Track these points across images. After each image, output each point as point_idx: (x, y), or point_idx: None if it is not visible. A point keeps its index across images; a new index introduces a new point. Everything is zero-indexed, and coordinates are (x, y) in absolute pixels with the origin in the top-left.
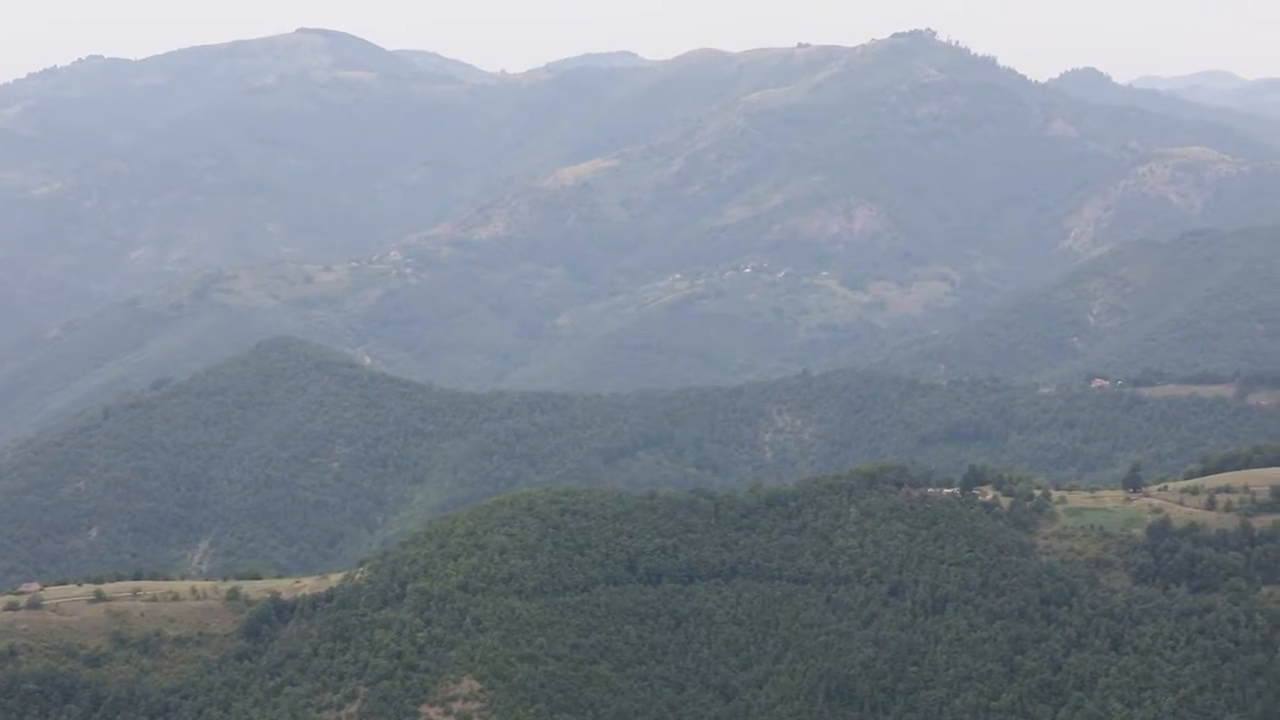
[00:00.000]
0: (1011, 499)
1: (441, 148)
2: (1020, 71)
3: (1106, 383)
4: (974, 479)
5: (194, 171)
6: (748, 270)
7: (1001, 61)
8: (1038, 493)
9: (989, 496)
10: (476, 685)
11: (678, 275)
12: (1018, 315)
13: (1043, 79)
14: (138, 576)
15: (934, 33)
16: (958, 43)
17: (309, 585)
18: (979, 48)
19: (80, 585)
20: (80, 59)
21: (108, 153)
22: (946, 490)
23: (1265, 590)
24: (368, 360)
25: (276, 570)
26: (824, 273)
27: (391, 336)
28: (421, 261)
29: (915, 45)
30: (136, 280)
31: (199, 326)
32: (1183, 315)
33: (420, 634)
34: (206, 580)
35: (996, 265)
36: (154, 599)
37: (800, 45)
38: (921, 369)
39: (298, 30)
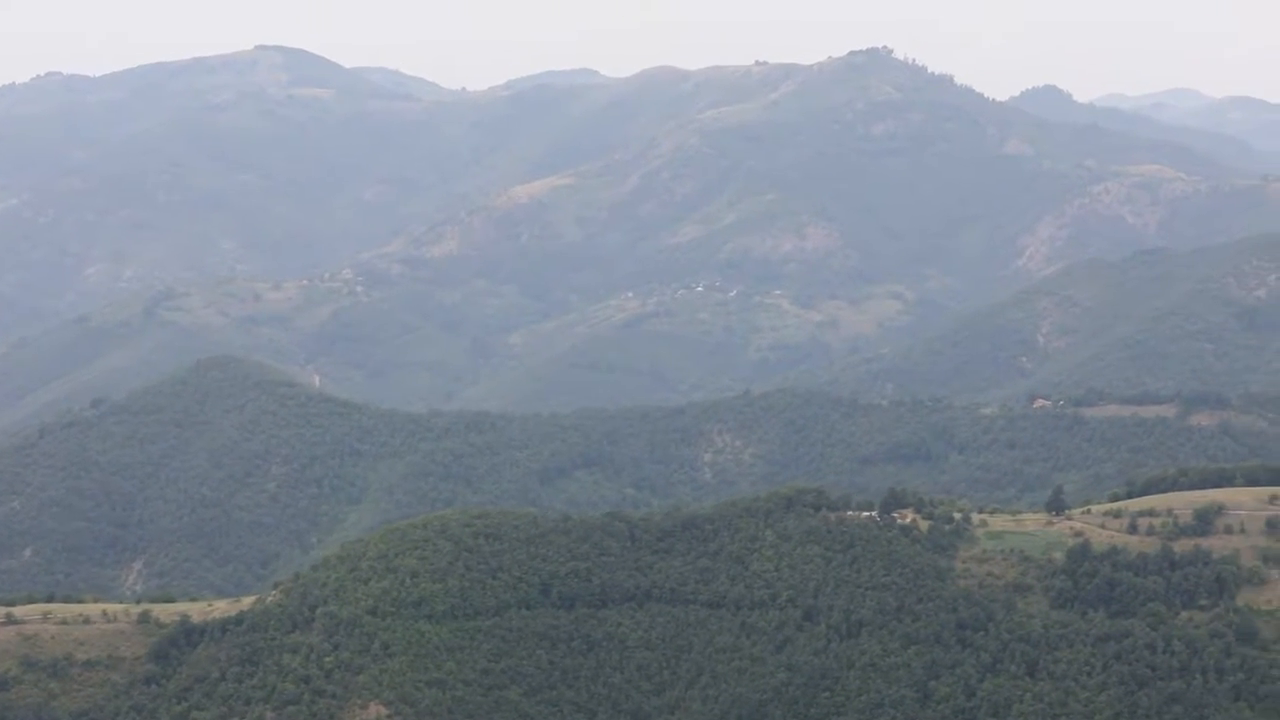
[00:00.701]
0: (931, 522)
1: (398, 165)
2: (980, 90)
3: (1048, 403)
4: (894, 502)
5: (149, 188)
6: (699, 289)
7: (965, 81)
8: (958, 516)
9: (908, 519)
10: (383, 710)
11: (630, 294)
12: (966, 334)
13: (1004, 98)
14: (50, 599)
15: (891, 51)
16: (915, 61)
17: (220, 608)
18: (944, 67)
19: None
20: (39, 75)
21: (64, 169)
22: (865, 513)
23: (1184, 615)
24: (317, 379)
25: (211, 591)
26: (776, 291)
27: (341, 355)
28: (373, 279)
29: (872, 63)
30: (90, 297)
31: (147, 344)
32: (1131, 335)
33: (328, 658)
34: (121, 603)
35: (950, 284)
36: (65, 622)
37: (758, 63)
38: (869, 388)
39: (256, 47)
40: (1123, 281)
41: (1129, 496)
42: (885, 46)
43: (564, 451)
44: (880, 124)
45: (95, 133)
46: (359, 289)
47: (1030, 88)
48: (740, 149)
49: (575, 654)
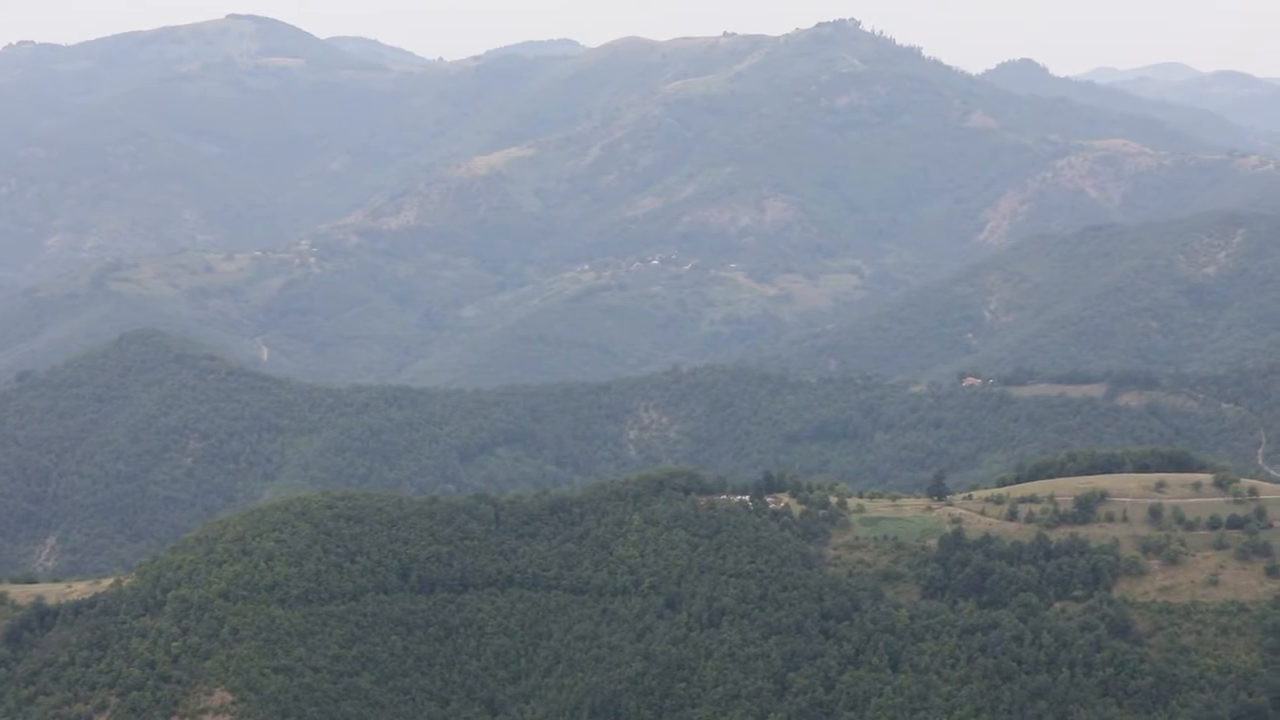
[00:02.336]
0: (805, 507)
1: (364, 136)
2: (958, 63)
3: (978, 381)
4: (769, 486)
5: (111, 158)
6: (655, 262)
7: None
8: (834, 500)
9: (782, 504)
10: (228, 697)
11: (585, 266)
12: (913, 310)
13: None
14: None
15: (858, 22)
16: (882, 33)
17: (79, 590)
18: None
19: None
20: (10, 44)
21: (30, 139)
22: (739, 498)
23: (1057, 606)
24: (265, 351)
25: (123, 568)
26: (732, 265)
27: (291, 327)
28: (327, 251)
29: (839, 35)
30: (50, 268)
31: (93, 316)
32: (1076, 311)
33: (175, 643)
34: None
35: (909, 258)
36: None
37: (725, 34)
38: (813, 364)
39: (227, 16)
40: (1071, 257)
41: (1017, 481)
42: (853, 18)
43: (486, 428)
44: (844, 96)
45: (63, 102)
46: (311, 261)
47: (1006, 60)
48: (703, 121)
49: (431, 640)
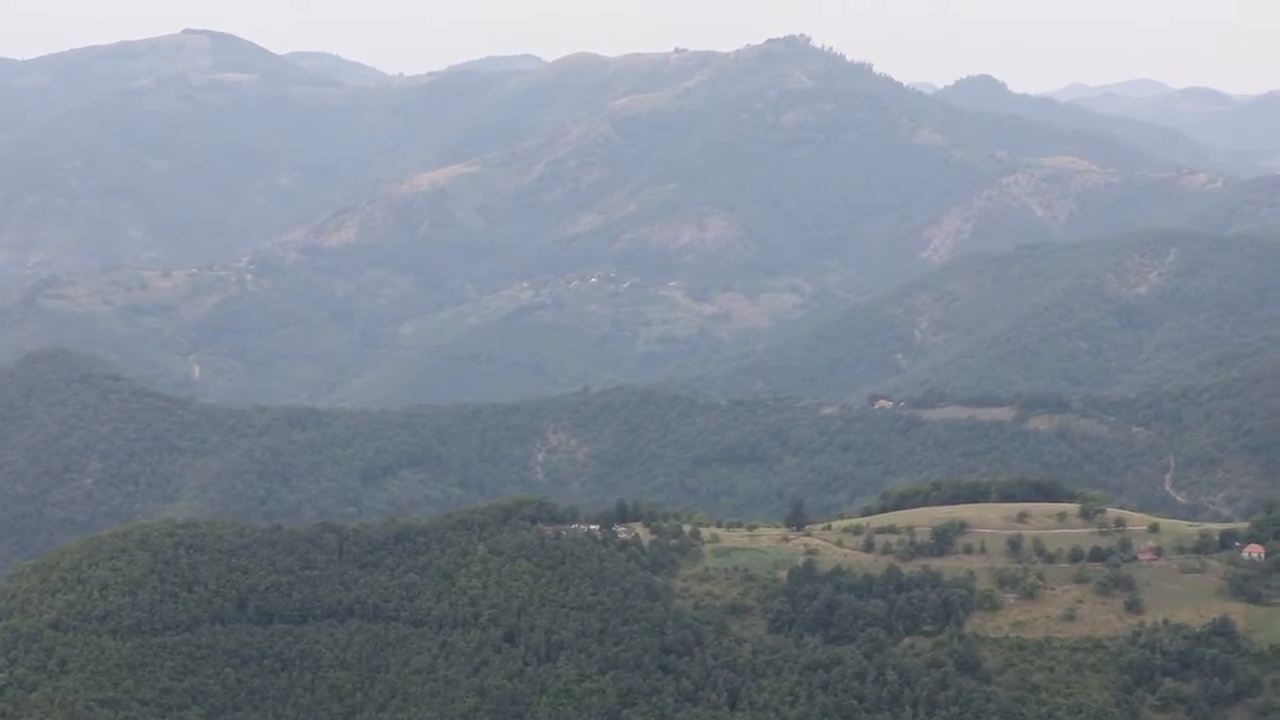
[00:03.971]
0: (655, 537)
1: (315, 151)
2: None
3: (889, 404)
4: (621, 515)
5: (59, 174)
6: (594, 280)
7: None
8: (687, 530)
9: (632, 534)
10: None
11: (525, 284)
12: (843, 330)
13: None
14: None
15: (808, 39)
16: (832, 49)
17: None
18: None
19: None
20: None
21: None
22: (590, 527)
23: (906, 641)
24: (196, 369)
25: None
26: (671, 283)
27: (224, 345)
28: (265, 268)
29: (789, 51)
30: None
31: (22, 334)
32: (1004, 332)
33: (2, 675)
34: None
35: (851, 277)
36: None
37: (676, 50)
38: (740, 384)
39: (183, 31)
40: (1003, 276)
41: (882, 510)
42: (803, 35)
43: (390, 449)
44: (790, 113)
45: (15, 117)
46: (248, 278)
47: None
48: (649, 137)
49: (266, 673)
